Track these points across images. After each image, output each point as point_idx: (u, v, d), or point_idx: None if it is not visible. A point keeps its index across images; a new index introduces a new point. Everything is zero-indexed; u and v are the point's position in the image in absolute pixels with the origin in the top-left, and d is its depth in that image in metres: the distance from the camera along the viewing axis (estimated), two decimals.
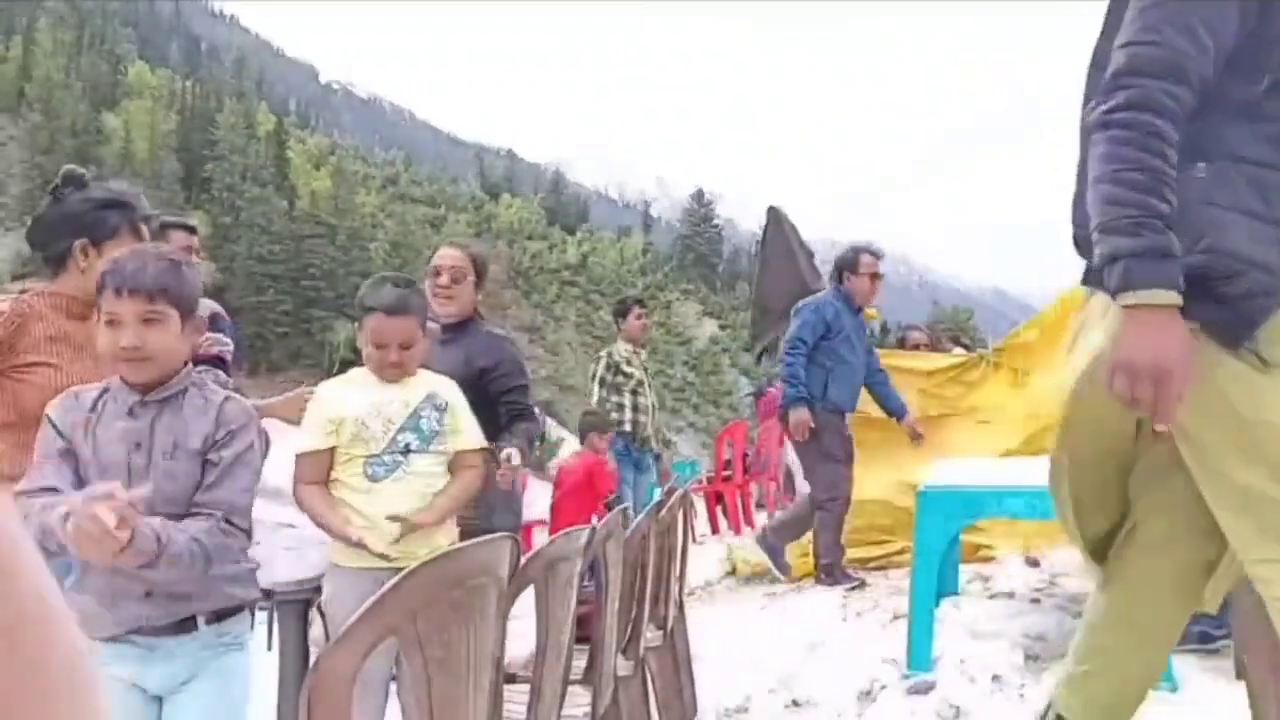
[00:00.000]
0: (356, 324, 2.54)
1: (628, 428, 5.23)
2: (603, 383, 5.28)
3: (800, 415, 4.69)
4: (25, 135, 72.20)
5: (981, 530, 4.59)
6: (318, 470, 2.40)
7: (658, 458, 5.77)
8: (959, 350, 7.47)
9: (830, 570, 4.68)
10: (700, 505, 8.12)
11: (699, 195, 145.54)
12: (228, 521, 1.76)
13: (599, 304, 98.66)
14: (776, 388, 12.68)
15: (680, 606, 3.57)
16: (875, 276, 4.87)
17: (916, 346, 7.23)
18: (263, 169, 79.57)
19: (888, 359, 5.64)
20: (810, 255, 6.52)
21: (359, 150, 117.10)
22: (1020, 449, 4.97)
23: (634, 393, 5.26)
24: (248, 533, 1.85)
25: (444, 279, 3.05)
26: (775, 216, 6.52)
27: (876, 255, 4.96)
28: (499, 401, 3.03)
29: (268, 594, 3.21)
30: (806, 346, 4.69)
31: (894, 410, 4.97)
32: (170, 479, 1.74)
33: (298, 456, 2.42)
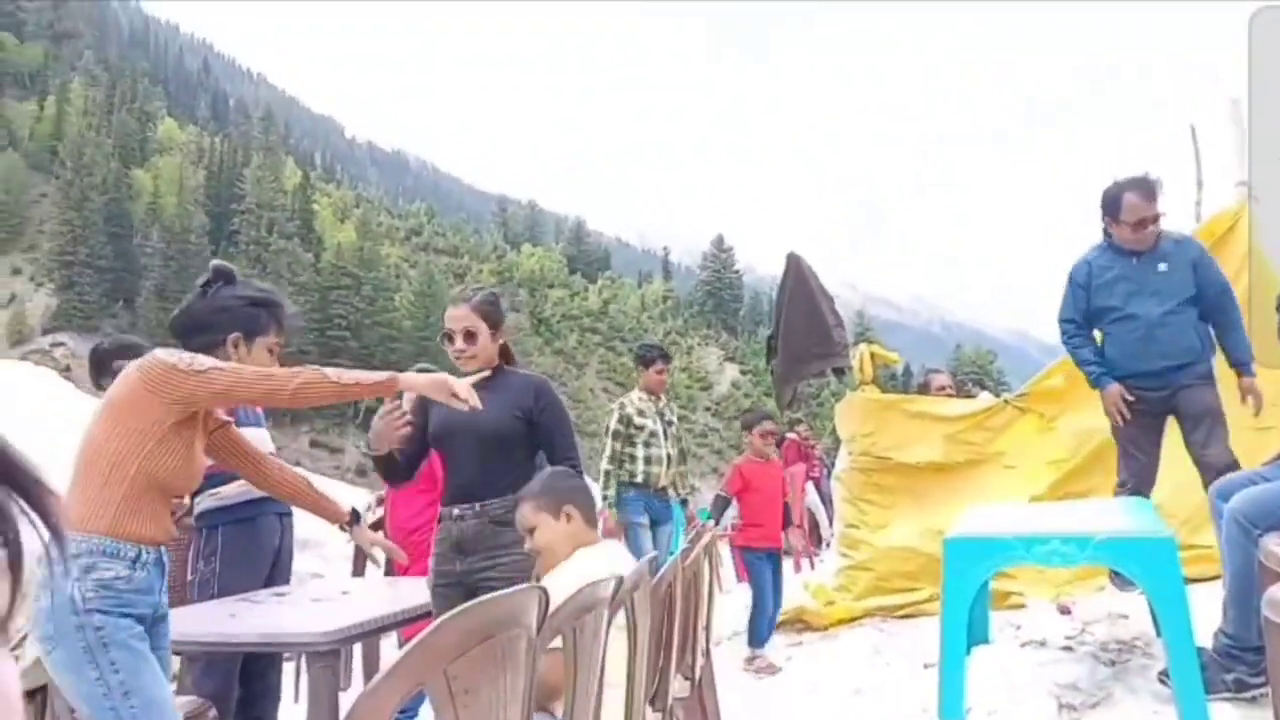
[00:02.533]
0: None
1: (639, 479, 5.20)
2: (616, 435, 5.29)
3: (1110, 393, 3.85)
4: (58, 193, 73.75)
5: (1012, 577, 4.54)
6: None
7: (684, 502, 5.73)
8: (983, 395, 7.44)
9: None
10: (726, 553, 8.06)
11: (719, 241, 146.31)
12: None
13: (621, 350, 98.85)
14: (798, 433, 12.68)
15: (708, 656, 3.55)
16: (1141, 224, 3.82)
17: (942, 389, 7.20)
18: (289, 222, 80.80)
19: (911, 405, 5.64)
20: (831, 300, 6.53)
21: (383, 202, 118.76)
22: (1047, 494, 4.94)
23: (646, 444, 5.25)
24: None
25: (458, 342, 3.08)
26: (795, 262, 6.54)
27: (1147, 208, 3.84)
28: (547, 446, 3.06)
29: (293, 645, 3.23)
30: (1075, 325, 3.97)
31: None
32: None
33: None
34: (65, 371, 61.92)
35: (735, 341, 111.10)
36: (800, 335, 6.01)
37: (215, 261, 2.47)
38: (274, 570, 3.44)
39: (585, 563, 2.55)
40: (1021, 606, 4.43)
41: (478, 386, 3.11)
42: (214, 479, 3.19)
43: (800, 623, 5.22)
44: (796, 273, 6.28)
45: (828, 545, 8.00)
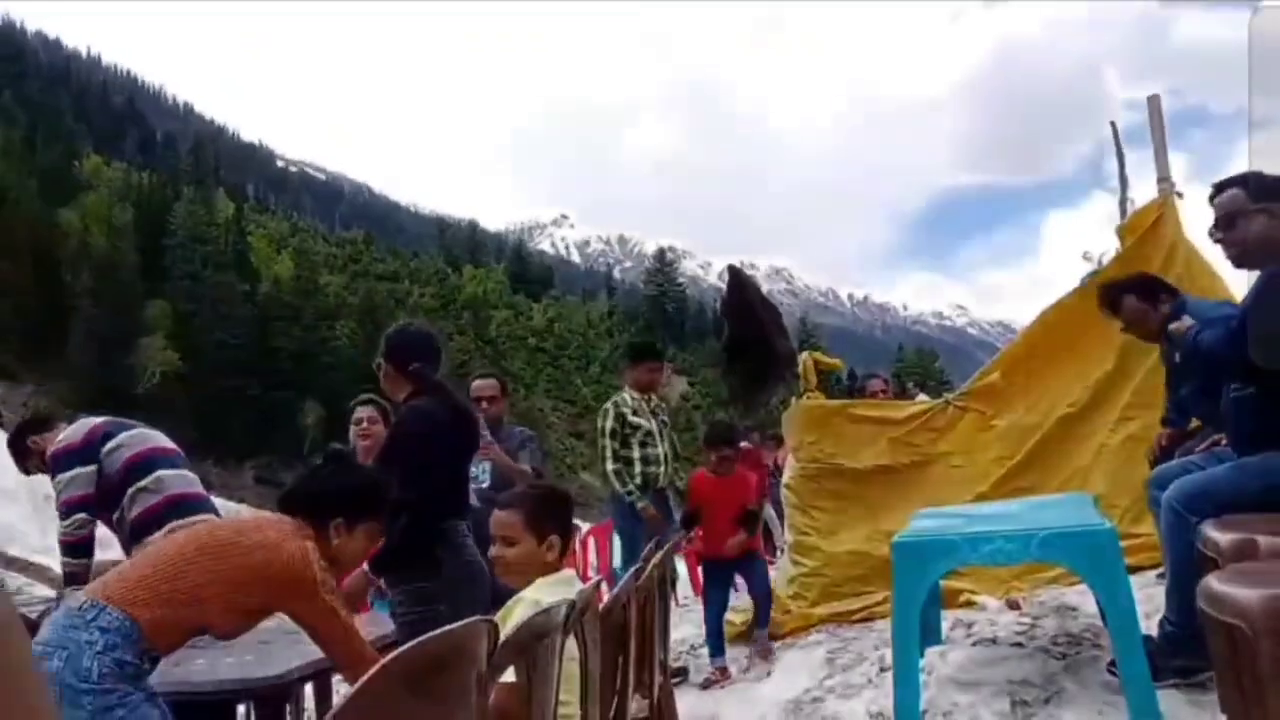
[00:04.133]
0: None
1: (639, 480, 4.97)
2: (613, 435, 5.01)
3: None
4: None
5: (961, 575, 4.60)
6: None
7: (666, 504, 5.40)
8: (922, 396, 7.55)
9: None
10: (681, 566, 8.04)
11: (660, 255, 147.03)
12: None
13: (569, 369, 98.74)
14: (749, 441, 12.71)
15: (666, 673, 3.54)
16: None
17: (874, 394, 7.31)
18: (223, 255, 79.36)
19: (855, 409, 5.70)
20: (775, 311, 6.57)
21: (320, 230, 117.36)
22: (991, 492, 5.02)
23: (642, 444, 5.01)
24: None
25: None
26: (735, 277, 6.57)
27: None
28: None
29: (244, 691, 3.15)
30: None
31: None
32: None
33: None
34: None
35: (683, 354, 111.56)
36: (750, 356, 6.04)
37: (333, 445, 2.77)
38: None
39: (545, 593, 2.52)
40: (973, 605, 4.49)
41: None
42: None
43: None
44: (738, 286, 6.32)
45: (781, 553, 8.04)
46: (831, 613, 5.04)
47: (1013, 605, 4.28)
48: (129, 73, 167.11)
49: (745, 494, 5.00)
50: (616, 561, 9.00)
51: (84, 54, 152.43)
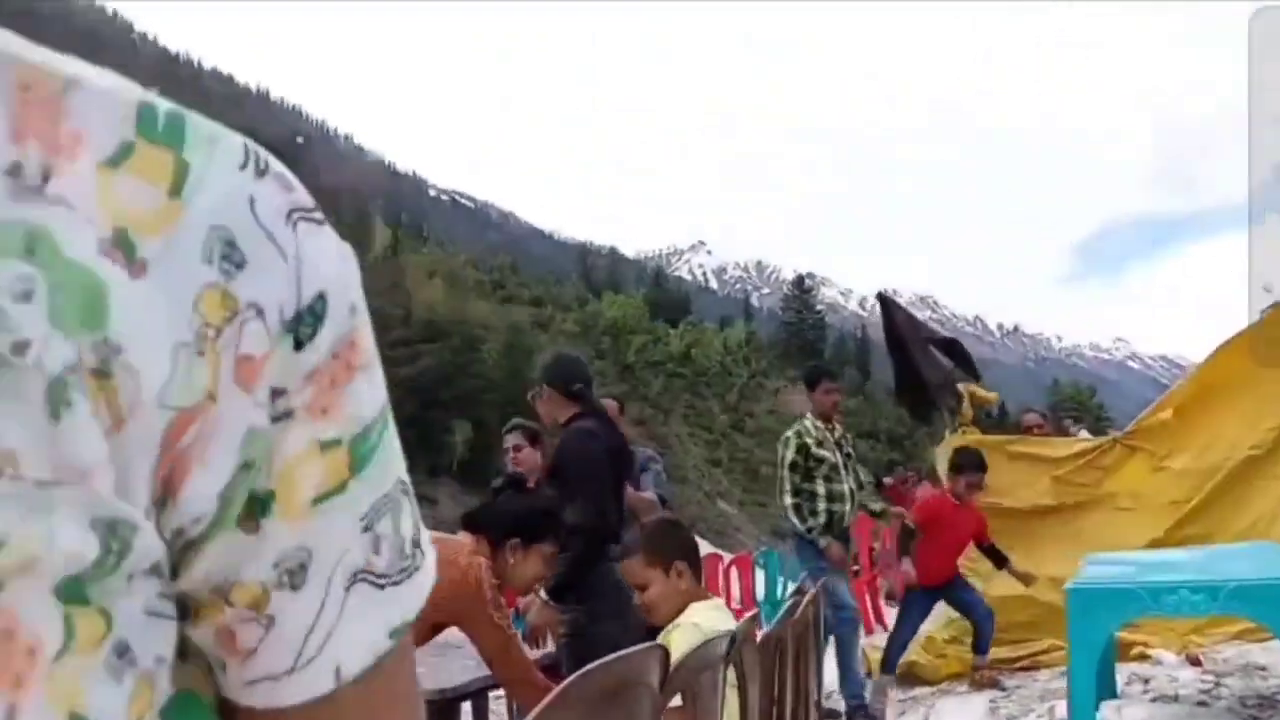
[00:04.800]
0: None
1: (822, 519, 4.59)
2: (794, 468, 4.65)
3: None
4: None
5: (1138, 627, 4.36)
6: None
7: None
8: (1083, 433, 7.21)
9: None
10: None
11: (799, 281, 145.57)
12: None
13: (706, 395, 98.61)
14: (895, 476, 12.40)
15: (820, 710, 3.49)
16: None
17: (1029, 430, 7.01)
18: (380, 281, 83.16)
19: (1014, 446, 5.50)
20: (927, 338, 6.35)
21: (469, 257, 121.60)
22: (1165, 538, 4.74)
23: (827, 479, 4.63)
24: None
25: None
26: (885, 305, 6.42)
27: None
28: None
29: None
30: None
31: None
32: None
33: None
34: None
35: None
36: (909, 388, 5.90)
37: (511, 470, 2.90)
38: None
39: (702, 618, 2.55)
40: (1147, 658, 4.24)
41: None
42: None
43: (912, 676, 5.08)
44: (885, 316, 6.19)
45: None
46: (993, 659, 4.85)
47: (1193, 661, 4.03)
48: (295, 107, 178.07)
49: (979, 526, 4.76)
50: (759, 593, 8.96)
51: (254, 90, 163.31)
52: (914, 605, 4.86)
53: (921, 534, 4.79)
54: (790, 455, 4.70)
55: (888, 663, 4.73)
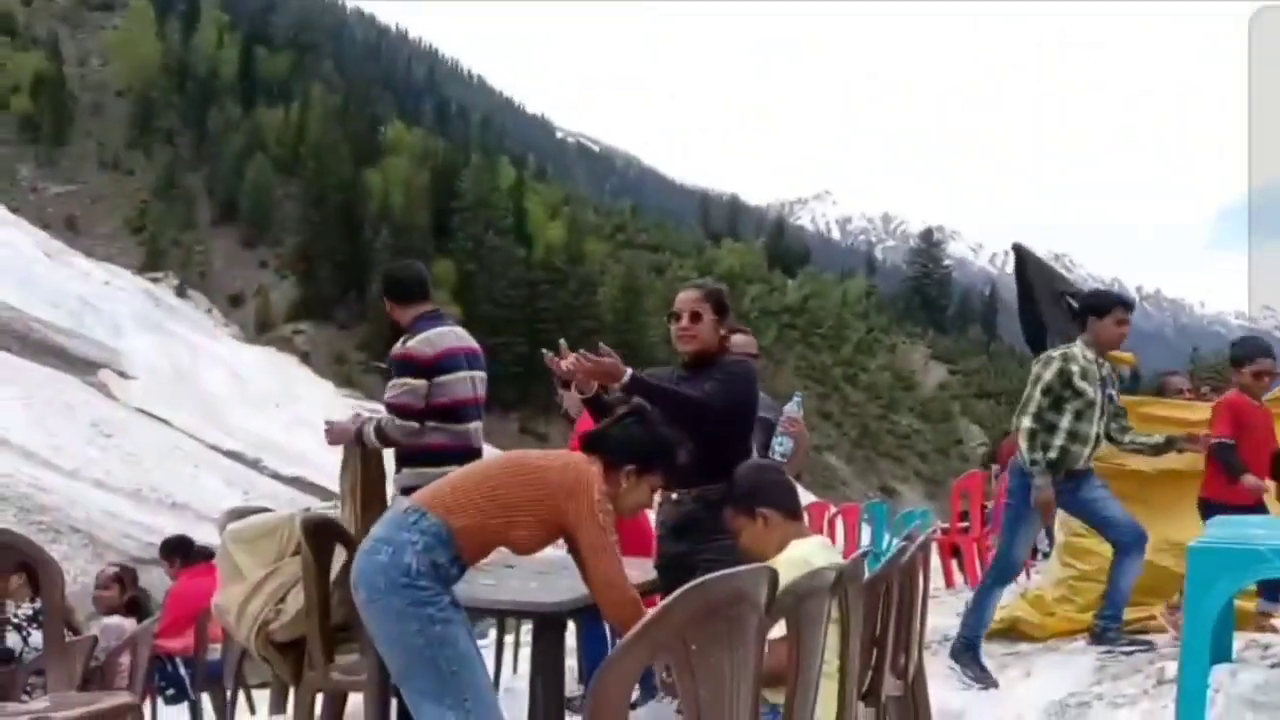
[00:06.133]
0: None
1: (1053, 454, 4.20)
2: (1047, 392, 4.24)
3: None
4: (299, 192, 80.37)
5: (1258, 597, 4.21)
6: None
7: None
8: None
9: None
10: (934, 558, 7.85)
11: (927, 234, 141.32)
12: None
13: (820, 347, 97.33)
14: (1011, 436, 12.12)
15: (920, 657, 3.51)
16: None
17: (1180, 393, 6.70)
18: (503, 220, 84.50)
19: (1145, 407, 5.30)
20: (1061, 291, 6.13)
21: (590, 200, 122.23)
22: None
23: (1077, 414, 4.24)
24: None
25: (683, 320, 3.22)
26: (1019, 255, 6.22)
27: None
28: None
29: (524, 614, 3.44)
30: None
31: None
32: None
33: None
34: (304, 358, 67.58)
35: (944, 340, 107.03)
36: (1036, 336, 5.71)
37: (635, 400, 2.87)
38: None
39: (806, 552, 2.59)
40: (1268, 629, 4.10)
41: (692, 371, 3.25)
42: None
43: (1016, 632, 5.03)
44: (1020, 266, 6.00)
45: (1045, 555, 7.63)
46: None
47: None
48: (430, 47, 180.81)
49: (1271, 424, 4.39)
50: (865, 542, 8.94)
51: (393, 29, 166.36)
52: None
53: (1232, 442, 4.37)
54: (1048, 377, 4.27)
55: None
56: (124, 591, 5.90)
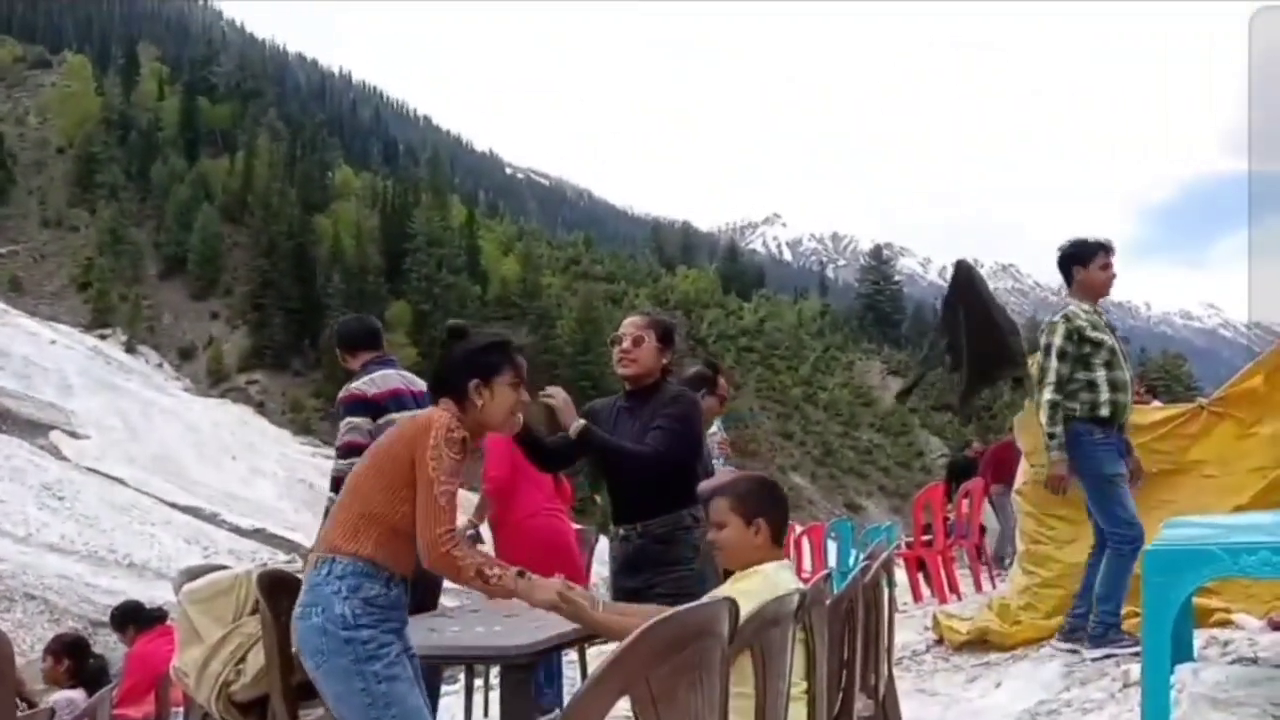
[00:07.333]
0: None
1: (1104, 411, 3.97)
2: (1063, 356, 3.99)
3: None
4: (249, 240, 79.57)
5: (1215, 593, 4.28)
6: None
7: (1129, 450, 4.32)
8: (1155, 403, 7.03)
9: None
10: (900, 572, 7.90)
11: (876, 252, 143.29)
12: None
13: (778, 368, 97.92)
14: (973, 449, 12.28)
15: (890, 676, 3.52)
16: None
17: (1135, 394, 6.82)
18: (457, 258, 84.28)
19: None
20: (1003, 309, 6.29)
21: (543, 234, 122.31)
22: (1250, 505, 4.62)
23: (1108, 364, 4.01)
24: None
25: (625, 344, 3.24)
26: (965, 270, 6.34)
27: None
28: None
29: (490, 659, 3.40)
30: None
31: None
32: None
33: None
34: (259, 408, 66.59)
35: (898, 354, 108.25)
36: (977, 349, 5.78)
37: (450, 321, 2.76)
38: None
39: (769, 573, 2.60)
40: (1228, 624, 4.17)
41: (633, 399, 3.25)
42: None
43: (985, 643, 5.07)
44: (967, 281, 6.12)
45: (1008, 562, 7.72)
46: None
47: (1275, 625, 3.94)
48: (375, 89, 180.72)
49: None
50: (831, 563, 8.97)
51: (337, 73, 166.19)
52: None
53: None
54: (1059, 342, 4.03)
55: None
56: (71, 662, 5.70)
